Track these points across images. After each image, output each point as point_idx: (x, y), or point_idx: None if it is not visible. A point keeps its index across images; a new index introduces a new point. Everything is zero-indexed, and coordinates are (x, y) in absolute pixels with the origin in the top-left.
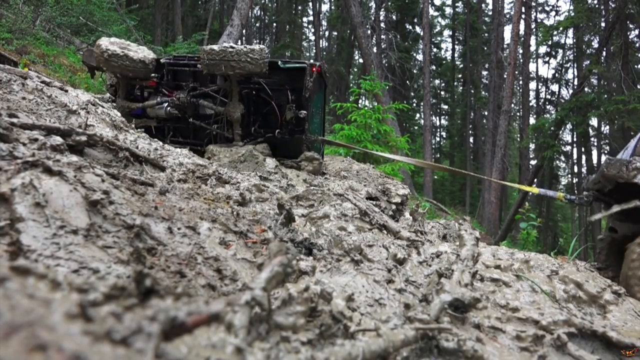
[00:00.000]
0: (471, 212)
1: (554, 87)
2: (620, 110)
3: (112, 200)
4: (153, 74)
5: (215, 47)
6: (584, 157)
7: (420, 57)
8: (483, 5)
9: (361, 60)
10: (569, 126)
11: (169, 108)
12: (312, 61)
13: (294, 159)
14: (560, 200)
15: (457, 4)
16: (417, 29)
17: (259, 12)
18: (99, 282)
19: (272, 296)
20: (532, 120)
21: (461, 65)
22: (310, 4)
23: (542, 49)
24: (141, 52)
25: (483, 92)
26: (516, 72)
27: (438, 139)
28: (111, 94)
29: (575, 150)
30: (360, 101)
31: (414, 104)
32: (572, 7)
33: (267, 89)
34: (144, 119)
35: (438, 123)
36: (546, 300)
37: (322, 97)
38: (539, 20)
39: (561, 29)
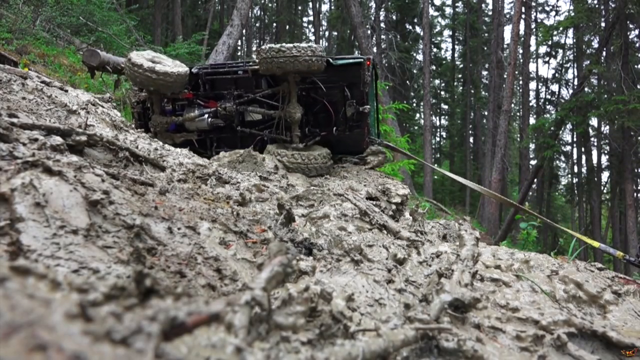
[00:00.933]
0: (471, 212)
1: (554, 87)
2: (620, 110)
3: (112, 200)
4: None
5: (276, 45)
6: (584, 157)
7: (420, 57)
8: (483, 5)
9: None
10: (569, 126)
11: (210, 119)
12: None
13: (358, 155)
14: (620, 258)
15: (457, 4)
16: (417, 29)
17: (259, 12)
18: (99, 282)
19: (272, 296)
20: (532, 120)
21: (461, 65)
22: (310, 4)
23: (542, 49)
24: (174, 66)
25: (483, 92)
26: (516, 72)
27: (438, 139)
28: (138, 111)
29: (575, 150)
30: None
31: (414, 104)
32: (572, 7)
33: (322, 87)
34: (182, 132)
35: (438, 123)
36: (546, 300)
37: (374, 91)
38: (539, 20)
39: (561, 29)
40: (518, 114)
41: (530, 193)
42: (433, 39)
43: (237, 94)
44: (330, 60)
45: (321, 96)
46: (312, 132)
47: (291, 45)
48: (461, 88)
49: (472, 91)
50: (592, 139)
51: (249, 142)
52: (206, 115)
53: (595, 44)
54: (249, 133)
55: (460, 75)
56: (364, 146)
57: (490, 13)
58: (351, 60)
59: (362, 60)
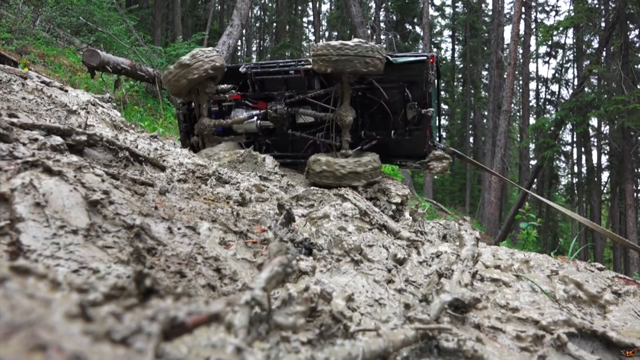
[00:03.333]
0: (471, 212)
1: (554, 87)
2: (620, 110)
3: (112, 200)
4: (229, 87)
5: (332, 41)
6: (584, 157)
7: None
8: (483, 5)
9: None
10: (569, 126)
11: (259, 121)
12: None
13: (418, 159)
14: None
15: (457, 4)
16: (417, 29)
17: (259, 12)
18: (99, 282)
19: (272, 296)
20: (532, 120)
21: (461, 65)
22: (310, 4)
23: (542, 49)
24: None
25: (483, 92)
26: (516, 72)
27: (438, 139)
28: (183, 112)
29: (575, 150)
30: None
31: None
32: (572, 7)
33: (380, 88)
34: (230, 136)
35: (438, 123)
36: (546, 300)
37: (436, 91)
38: (539, 20)
39: (561, 29)
40: (518, 114)
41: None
42: (433, 39)
43: (288, 95)
44: (390, 57)
45: (378, 97)
46: (368, 135)
47: (348, 42)
48: (461, 88)
49: (472, 91)
50: (592, 139)
51: (301, 146)
52: (255, 118)
53: (595, 44)
54: (300, 137)
55: (460, 75)
56: (425, 150)
57: (490, 13)
58: (413, 58)
59: (425, 57)
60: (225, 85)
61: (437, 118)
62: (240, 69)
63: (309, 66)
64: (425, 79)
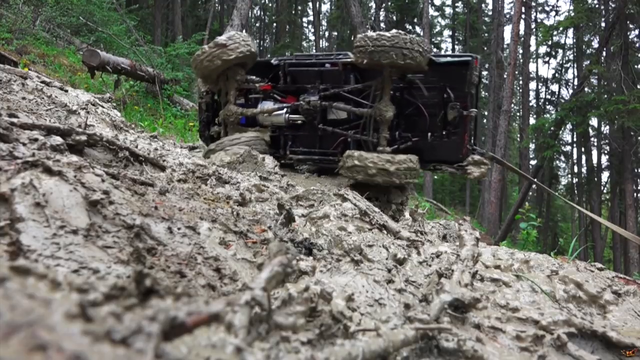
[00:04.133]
0: (471, 212)
1: (554, 87)
2: (620, 110)
3: (112, 200)
4: (258, 78)
5: (376, 33)
6: (584, 157)
7: None
8: (483, 5)
9: None
10: (569, 126)
11: (288, 115)
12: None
13: (455, 163)
14: None
15: (457, 4)
16: (417, 29)
17: (259, 12)
18: (99, 282)
19: (272, 296)
20: (532, 120)
21: None
22: (310, 4)
23: (542, 49)
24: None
25: (483, 92)
26: (516, 72)
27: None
28: (207, 101)
29: (575, 150)
30: None
31: None
32: (572, 7)
33: (422, 87)
34: (256, 127)
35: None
36: (546, 300)
37: (476, 96)
38: (539, 20)
39: (561, 29)
40: (518, 114)
41: (530, 193)
42: (433, 39)
43: (322, 88)
44: (433, 57)
45: (415, 98)
46: (403, 136)
47: (393, 33)
48: None
49: None
50: (592, 139)
51: (330, 142)
52: (284, 110)
53: (595, 44)
54: (331, 132)
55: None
56: (462, 154)
57: (490, 13)
58: (456, 59)
59: (469, 59)
60: (254, 77)
61: (475, 126)
62: (272, 61)
63: (348, 60)
64: (468, 80)
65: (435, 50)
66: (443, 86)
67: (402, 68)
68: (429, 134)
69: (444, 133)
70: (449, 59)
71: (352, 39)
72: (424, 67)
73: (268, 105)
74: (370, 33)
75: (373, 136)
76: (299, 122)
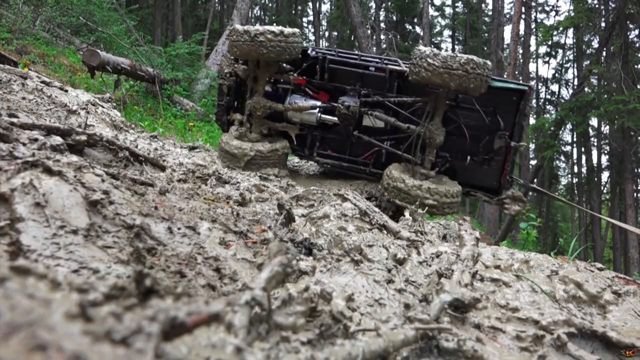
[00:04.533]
0: (471, 212)
1: (554, 87)
2: (620, 110)
3: (112, 200)
4: (292, 71)
5: (448, 53)
6: (584, 157)
7: None
8: (483, 5)
9: None
10: (569, 126)
11: (320, 114)
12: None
13: (489, 192)
14: None
15: (457, 4)
16: (417, 29)
17: (259, 12)
18: (99, 282)
19: (272, 296)
20: (532, 120)
21: None
22: (310, 4)
23: (542, 49)
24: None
25: None
26: (516, 72)
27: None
28: (230, 84)
29: (575, 150)
30: None
31: None
32: (572, 7)
33: (478, 108)
34: (283, 123)
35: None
36: (546, 300)
37: (520, 128)
38: (539, 20)
39: (561, 29)
40: None
41: (530, 193)
42: (433, 39)
43: (364, 93)
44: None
45: (458, 116)
46: (440, 156)
47: (460, 56)
48: None
49: None
50: (592, 139)
51: (361, 150)
52: (317, 110)
53: (595, 44)
54: (365, 142)
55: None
56: (500, 184)
57: (490, 13)
58: (512, 85)
59: (525, 88)
60: (287, 65)
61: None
62: (308, 51)
63: (398, 68)
64: (521, 110)
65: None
66: (493, 111)
67: (462, 91)
68: (468, 157)
69: (484, 158)
70: (504, 84)
71: (352, 39)
72: (481, 91)
73: (298, 99)
74: (426, 49)
75: (416, 155)
76: (331, 123)
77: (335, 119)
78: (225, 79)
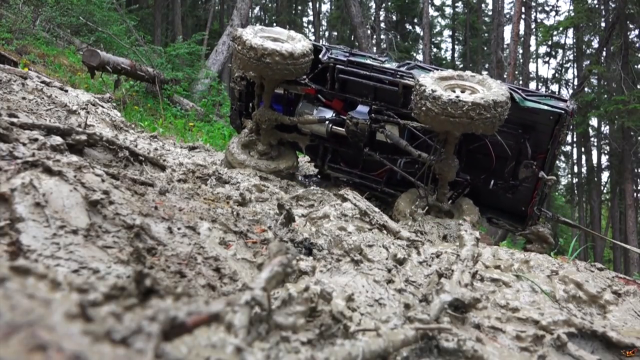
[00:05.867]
0: None
1: (554, 87)
2: (620, 110)
3: (112, 200)
4: (304, 80)
5: (434, 94)
6: (584, 157)
7: (420, 57)
8: (483, 5)
9: None
10: None
11: (331, 126)
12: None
13: (513, 220)
14: None
15: (457, 4)
16: (417, 29)
17: (259, 12)
18: (99, 282)
19: (272, 296)
20: None
21: (461, 65)
22: (310, 4)
23: (542, 49)
24: (293, 42)
25: None
26: (516, 72)
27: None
28: (241, 89)
29: (575, 150)
30: None
31: None
32: (572, 7)
33: (501, 141)
34: (293, 133)
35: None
36: (546, 300)
37: (552, 157)
38: (539, 20)
39: (561, 29)
40: None
41: None
42: (433, 39)
43: (375, 108)
44: (516, 98)
45: (484, 135)
46: (461, 177)
47: (453, 99)
48: None
49: None
50: (592, 139)
51: (375, 166)
52: (327, 122)
53: (595, 44)
54: (378, 160)
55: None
56: (527, 214)
57: (490, 13)
58: (546, 107)
59: (562, 112)
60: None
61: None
62: (320, 56)
63: (412, 83)
64: (555, 137)
65: (434, 50)
66: (521, 134)
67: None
68: (493, 180)
69: (510, 185)
70: (536, 105)
71: (352, 39)
72: (495, 129)
73: (309, 107)
74: (430, 92)
75: (430, 186)
76: (342, 134)
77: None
78: (236, 83)
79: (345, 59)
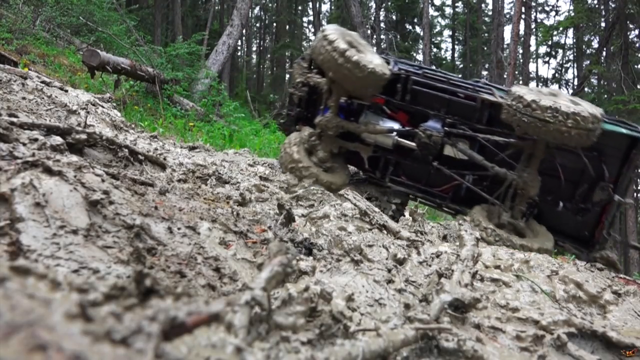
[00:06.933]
0: None
1: (554, 87)
2: (620, 110)
3: (112, 200)
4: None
5: (532, 95)
6: None
7: (420, 57)
8: (483, 5)
9: None
10: None
11: (397, 137)
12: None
13: (583, 247)
14: None
15: (457, 4)
16: (417, 29)
17: (259, 12)
18: (99, 282)
19: (272, 296)
20: None
21: (461, 65)
22: (310, 4)
23: (542, 49)
24: (376, 62)
25: None
26: (516, 72)
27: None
28: (301, 95)
29: None
30: None
31: None
32: (572, 7)
33: (584, 158)
34: (355, 142)
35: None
36: (546, 300)
37: (628, 181)
38: (539, 20)
39: (561, 29)
40: None
41: None
42: (433, 39)
43: (450, 122)
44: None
45: (553, 154)
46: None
47: (550, 104)
48: None
49: None
50: None
51: (440, 181)
52: (394, 133)
53: (595, 44)
54: (447, 175)
55: (460, 75)
56: (595, 239)
57: (490, 13)
58: (624, 130)
59: (638, 136)
60: None
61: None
62: (390, 65)
63: (492, 99)
64: (632, 162)
65: (434, 50)
66: (597, 156)
67: (562, 144)
68: (561, 202)
69: (579, 207)
70: (614, 127)
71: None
72: (589, 144)
73: (374, 118)
74: (528, 95)
75: (504, 201)
76: (407, 148)
77: (413, 144)
78: (297, 89)
79: (418, 71)
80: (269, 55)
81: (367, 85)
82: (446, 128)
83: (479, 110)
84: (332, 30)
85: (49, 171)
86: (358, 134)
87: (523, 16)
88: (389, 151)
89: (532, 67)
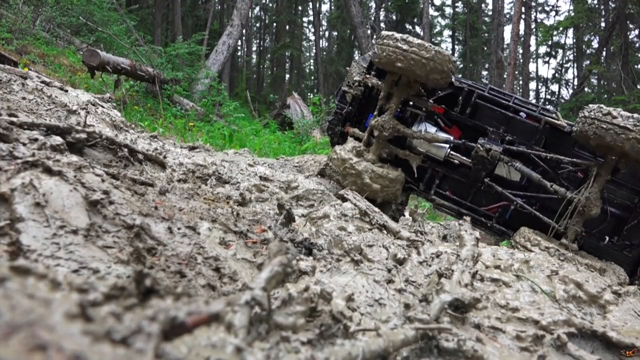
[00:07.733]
0: None
1: (554, 87)
2: None
3: (112, 200)
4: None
5: (613, 113)
6: None
7: None
8: (483, 5)
9: None
10: None
11: (450, 150)
12: None
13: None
14: None
15: (457, 4)
16: (417, 29)
17: (259, 12)
18: (99, 282)
19: (272, 296)
20: None
21: (461, 65)
22: (310, 4)
23: (542, 49)
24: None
25: None
26: (516, 72)
27: None
28: (356, 94)
29: None
30: None
31: None
32: (572, 7)
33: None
34: (405, 150)
35: None
36: (546, 300)
37: None
38: (539, 20)
39: (561, 29)
40: None
41: None
42: (433, 39)
43: (509, 140)
44: None
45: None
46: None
47: (626, 114)
48: None
49: None
50: None
51: (487, 200)
52: (448, 145)
53: (595, 44)
54: (494, 192)
55: (460, 75)
56: (635, 273)
57: (490, 13)
58: None
59: None
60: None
61: None
62: (454, 83)
63: (557, 122)
64: None
65: None
66: None
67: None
68: (607, 237)
69: (626, 244)
70: None
71: (352, 39)
72: None
73: (429, 129)
74: (608, 110)
75: (559, 222)
76: (457, 162)
77: (465, 158)
78: (353, 88)
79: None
80: (269, 55)
81: (436, 67)
82: (506, 145)
83: (540, 132)
84: (392, 32)
85: (49, 171)
86: (411, 140)
87: (523, 16)
88: (437, 163)
89: (532, 67)
